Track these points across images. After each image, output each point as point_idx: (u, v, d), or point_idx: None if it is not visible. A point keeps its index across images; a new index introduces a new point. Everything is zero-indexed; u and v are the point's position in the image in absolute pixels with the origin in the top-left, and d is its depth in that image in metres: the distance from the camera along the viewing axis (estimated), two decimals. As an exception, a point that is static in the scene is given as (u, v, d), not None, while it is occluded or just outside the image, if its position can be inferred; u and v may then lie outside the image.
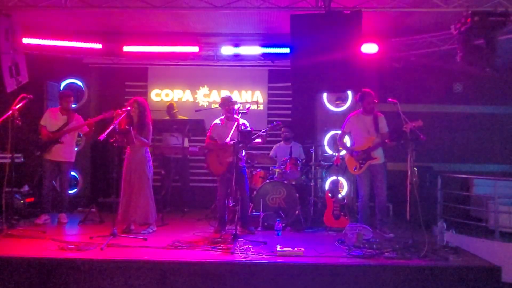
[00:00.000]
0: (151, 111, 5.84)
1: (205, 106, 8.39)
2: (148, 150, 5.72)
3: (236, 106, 5.76)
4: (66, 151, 6.32)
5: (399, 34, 6.93)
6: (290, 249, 4.74)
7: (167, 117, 7.63)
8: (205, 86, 8.56)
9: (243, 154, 5.92)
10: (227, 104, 5.81)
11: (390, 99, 5.44)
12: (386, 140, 5.82)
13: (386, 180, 6.05)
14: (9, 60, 5.02)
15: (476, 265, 4.65)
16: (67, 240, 5.22)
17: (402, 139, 5.36)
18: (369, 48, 6.25)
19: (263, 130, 5.81)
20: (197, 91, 8.57)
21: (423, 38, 6.88)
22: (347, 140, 6.56)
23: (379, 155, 5.95)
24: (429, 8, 5.37)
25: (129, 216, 5.57)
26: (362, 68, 5.31)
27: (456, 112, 8.11)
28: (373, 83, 6.25)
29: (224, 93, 8.44)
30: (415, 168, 5.41)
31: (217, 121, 5.88)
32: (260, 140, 5.82)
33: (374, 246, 5.02)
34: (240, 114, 5.50)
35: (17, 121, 5.47)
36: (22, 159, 6.52)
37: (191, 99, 8.56)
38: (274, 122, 5.90)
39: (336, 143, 6.60)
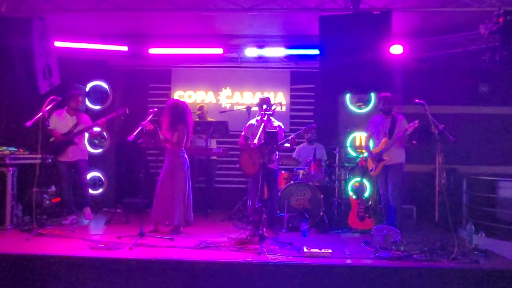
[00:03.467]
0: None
1: (227, 107, 8.43)
2: (185, 152, 5.75)
3: (273, 107, 5.73)
4: (80, 150, 6.35)
5: (426, 35, 6.86)
6: (317, 250, 4.72)
7: (197, 119, 7.66)
8: (228, 87, 8.61)
9: (277, 157, 5.91)
10: (265, 105, 5.76)
11: (417, 100, 5.40)
12: (414, 142, 5.80)
13: (401, 182, 5.99)
14: (42, 62, 5.10)
15: (508, 268, 4.55)
16: (96, 239, 5.29)
17: (430, 140, 5.31)
18: (395, 49, 6.20)
19: (292, 135, 5.79)
20: (219, 92, 8.62)
21: (450, 38, 6.79)
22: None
23: (392, 157, 5.94)
24: (460, 7, 5.30)
25: (161, 217, 5.63)
26: (388, 69, 5.25)
27: (481, 114, 7.99)
28: (398, 84, 6.20)
29: (247, 94, 8.56)
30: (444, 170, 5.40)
31: (253, 121, 5.88)
32: (288, 145, 5.81)
33: (402, 248, 4.97)
34: (267, 115, 5.51)
35: (47, 123, 5.56)
36: (50, 160, 6.61)
37: (214, 101, 8.61)
38: (309, 125, 5.88)
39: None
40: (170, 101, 5.86)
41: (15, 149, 6.18)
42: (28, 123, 5.35)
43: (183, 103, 5.90)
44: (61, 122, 6.29)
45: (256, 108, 6.40)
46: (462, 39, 6.73)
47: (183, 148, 5.73)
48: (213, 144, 7.57)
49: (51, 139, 6.22)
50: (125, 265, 4.47)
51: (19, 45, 4.94)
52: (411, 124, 5.73)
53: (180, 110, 5.67)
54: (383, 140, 6.02)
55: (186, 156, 5.77)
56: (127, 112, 6.14)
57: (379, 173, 6.08)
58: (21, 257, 4.50)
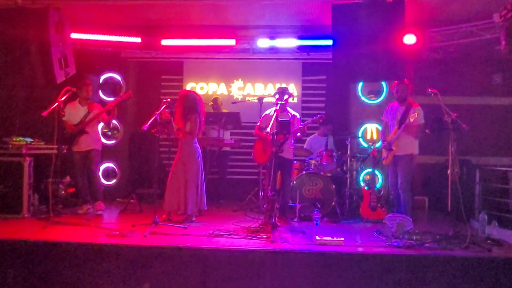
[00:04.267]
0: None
1: (239, 99, 8.46)
2: (197, 142, 5.80)
3: (285, 97, 5.73)
4: (92, 139, 6.37)
5: (439, 24, 6.79)
6: (329, 238, 4.75)
7: (212, 110, 7.70)
8: (240, 79, 8.63)
9: (292, 148, 5.91)
10: (286, 94, 5.78)
11: (429, 90, 5.37)
12: (427, 131, 5.77)
13: (410, 173, 5.97)
14: (58, 52, 5.17)
15: (521, 257, 4.55)
16: (111, 227, 5.37)
17: (443, 129, 5.29)
18: (408, 39, 6.14)
19: (301, 124, 5.80)
20: (231, 84, 8.65)
21: (464, 28, 6.72)
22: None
23: (402, 147, 5.90)
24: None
25: (173, 206, 5.68)
26: (401, 59, 5.23)
27: (495, 104, 7.92)
28: (411, 74, 6.17)
29: (259, 86, 8.59)
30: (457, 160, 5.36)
31: (269, 111, 5.89)
32: (299, 134, 5.83)
33: (414, 237, 4.97)
34: (279, 104, 5.53)
35: (63, 113, 5.64)
36: (65, 150, 6.67)
37: (225, 92, 8.64)
38: (318, 115, 5.87)
39: None
40: (182, 92, 5.95)
41: (31, 140, 6.29)
42: (44, 113, 5.44)
43: (195, 93, 5.99)
44: (73, 113, 6.33)
45: (269, 99, 6.42)
46: (476, 29, 6.65)
47: (196, 138, 5.79)
48: (226, 135, 7.61)
49: (65, 130, 6.29)
50: (139, 252, 4.54)
51: (36, 35, 5.01)
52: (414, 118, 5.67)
53: (192, 100, 5.74)
54: (395, 130, 6.00)
55: (198, 145, 5.82)
56: (131, 96, 6.19)
57: (390, 163, 6.07)
58: (39, 243, 4.59)
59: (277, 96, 5.69)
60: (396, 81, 5.94)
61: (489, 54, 6.90)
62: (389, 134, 6.15)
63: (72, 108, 6.35)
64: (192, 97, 5.79)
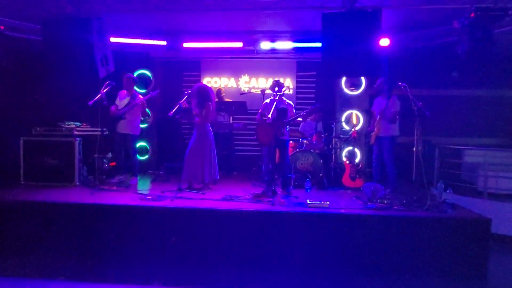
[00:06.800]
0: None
1: (246, 90, 8.42)
2: (209, 125, 5.79)
3: (283, 89, 5.67)
4: (130, 125, 6.25)
5: (409, 29, 6.67)
6: (318, 202, 4.80)
7: (217, 100, 7.66)
8: (246, 74, 8.58)
9: (287, 130, 5.87)
10: (276, 86, 5.70)
11: (400, 83, 5.33)
12: (397, 117, 5.76)
13: (392, 149, 5.91)
14: (100, 53, 5.12)
15: (470, 217, 4.59)
16: (144, 193, 5.43)
17: (410, 115, 5.26)
18: (383, 41, 6.04)
19: (303, 112, 5.76)
20: (239, 78, 8.59)
21: (429, 32, 6.60)
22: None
23: (383, 130, 5.87)
24: (439, 5, 5.13)
25: (191, 176, 5.71)
26: (377, 58, 5.14)
27: (452, 95, 7.85)
28: (385, 70, 6.08)
29: (262, 80, 8.53)
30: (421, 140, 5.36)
31: (267, 100, 5.82)
32: (301, 119, 5.79)
33: (385, 201, 5.02)
34: (278, 95, 5.48)
35: (105, 102, 5.64)
36: (107, 132, 6.69)
37: (234, 85, 8.60)
38: (314, 106, 5.83)
39: None
40: (197, 85, 5.83)
41: (80, 124, 6.32)
42: (90, 102, 5.46)
43: (206, 86, 5.95)
44: (120, 100, 6.26)
45: (270, 91, 6.33)
46: (439, 33, 6.54)
47: (209, 122, 5.77)
48: (230, 120, 7.61)
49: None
50: (167, 212, 4.64)
51: (82, 39, 4.96)
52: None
53: (205, 92, 5.69)
54: (377, 117, 5.95)
55: (211, 128, 5.81)
56: (158, 93, 6.19)
57: (374, 143, 6.03)
58: (88, 205, 4.70)
59: (276, 88, 5.62)
60: (379, 79, 5.92)
61: (449, 54, 6.78)
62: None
63: (121, 96, 6.27)
64: (205, 89, 5.75)
